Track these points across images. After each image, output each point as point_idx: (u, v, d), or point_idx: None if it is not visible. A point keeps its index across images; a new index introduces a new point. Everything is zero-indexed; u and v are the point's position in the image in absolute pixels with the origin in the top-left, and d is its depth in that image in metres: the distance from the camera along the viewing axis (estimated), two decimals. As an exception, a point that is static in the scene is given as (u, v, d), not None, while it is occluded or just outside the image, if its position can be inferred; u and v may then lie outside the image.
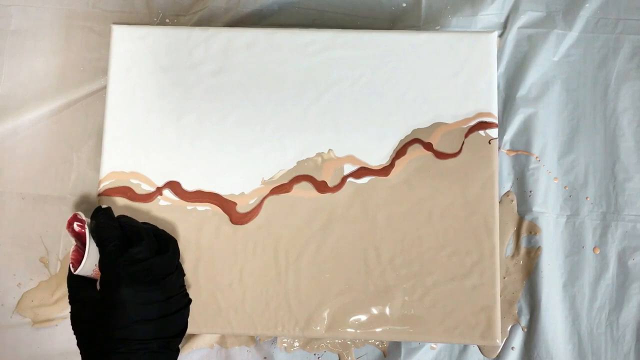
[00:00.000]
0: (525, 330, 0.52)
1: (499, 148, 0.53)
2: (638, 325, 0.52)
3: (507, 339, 0.52)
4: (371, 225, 0.47)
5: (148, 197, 0.48)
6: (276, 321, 0.47)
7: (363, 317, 0.47)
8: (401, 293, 0.47)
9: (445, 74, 0.49)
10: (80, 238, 0.41)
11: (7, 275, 0.52)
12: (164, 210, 0.47)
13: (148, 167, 0.48)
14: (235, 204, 0.48)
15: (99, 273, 0.41)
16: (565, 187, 0.53)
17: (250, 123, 0.48)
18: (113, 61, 0.49)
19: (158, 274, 0.41)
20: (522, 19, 0.55)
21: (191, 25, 0.55)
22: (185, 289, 0.44)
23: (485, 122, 0.48)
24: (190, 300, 0.44)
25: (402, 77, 0.49)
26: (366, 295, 0.47)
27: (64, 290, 0.52)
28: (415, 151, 0.48)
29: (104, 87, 0.52)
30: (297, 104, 0.49)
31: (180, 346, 0.51)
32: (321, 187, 0.48)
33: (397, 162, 0.48)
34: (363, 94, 0.49)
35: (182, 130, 0.48)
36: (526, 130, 0.54)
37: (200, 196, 0.48)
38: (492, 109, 0.48)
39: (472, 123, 0.48)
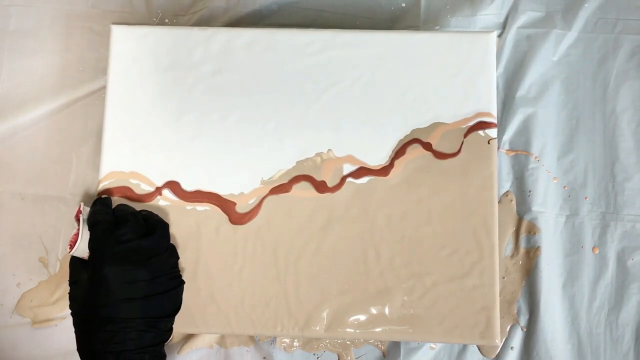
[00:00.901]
0: (525, 330, 0.52)
1: (498, 148, 0.53)
2: (637, 325, 0.52)
3: (506, 339, 0.52)
4: (370, 225, 0.47)
5: (147, 197, 0.48)
6: (275, 321, 0.47)
7: (362, 317, 0.47)
8: (400, 293, 0.47)
9: (445, 74, 0.48)
10: (79, 224, 0.44)
11: (6, 275, 0.52)
12: (164, 210, 0.47)
13: (147, 167, 0.48)
14: (235, 204, 0.48)
15: None
16: (564, 187, 0.53)
17: (250, 123, 0.48)
18: (112, 61, 0.49)
19: (144, 254, 0.42)
20: (522, 19, 0.55)
21: (190, 25, 0.55)
22: (178, 272, 0.45)
23: (485, 122, 0.48)
24: (182, 282, 0.45)
25: (401, 77, 0.49)
26: (365, 295, 0.47)
27: (63, 290, 0.52)
28: (415, 151, 0.48)
29: (104, 87, 0.52)
30: (297, 104, 0.49)
31: (180, 346, 0.51)
32: (320, 187, 0.48)
33: (397, 162, 0.48)
34: (362, 94, 0.49)
35: (181, 130, 0.48)
36: (525, 130, 0.54)
37: (199, 196, 0.48)
38: (491, 108, 0.48)
39: (472, 123, 0.48)
